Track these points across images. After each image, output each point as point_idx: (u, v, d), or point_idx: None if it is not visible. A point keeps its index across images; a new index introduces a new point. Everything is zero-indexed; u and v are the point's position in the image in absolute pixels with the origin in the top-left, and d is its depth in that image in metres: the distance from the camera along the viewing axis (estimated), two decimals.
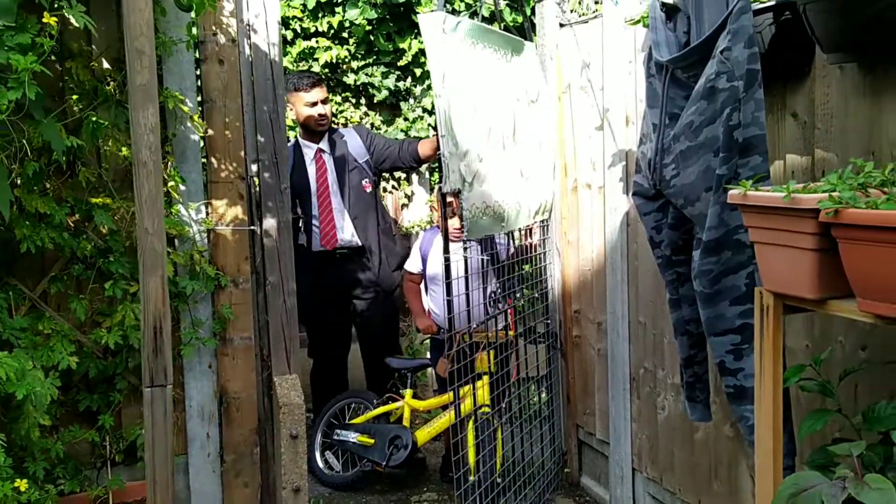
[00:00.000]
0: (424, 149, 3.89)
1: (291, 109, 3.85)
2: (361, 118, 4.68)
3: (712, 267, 1.85)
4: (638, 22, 2.63)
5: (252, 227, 3.10)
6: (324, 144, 3.90)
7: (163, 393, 2.16)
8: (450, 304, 2.99)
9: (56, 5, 2.17)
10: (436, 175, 4.67)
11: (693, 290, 2.30)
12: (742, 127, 1.73)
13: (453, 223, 3.32)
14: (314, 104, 3.80)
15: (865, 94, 1.89)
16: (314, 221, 3.87)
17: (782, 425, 1.62)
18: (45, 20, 2.11)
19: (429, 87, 4.78)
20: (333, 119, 4.14)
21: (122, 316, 2.72)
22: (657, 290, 2.95)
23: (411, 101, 4.75)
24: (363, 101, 4.68)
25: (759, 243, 1.54)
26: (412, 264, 3.65)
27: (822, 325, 2.09)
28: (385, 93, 4.63)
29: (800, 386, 1.73)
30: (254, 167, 3.11)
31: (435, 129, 4.49)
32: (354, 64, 4.54)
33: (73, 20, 2.22)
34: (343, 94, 4.62)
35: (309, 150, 3.91)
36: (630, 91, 3.06)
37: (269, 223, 3.12)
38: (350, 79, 4.54)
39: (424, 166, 4.43)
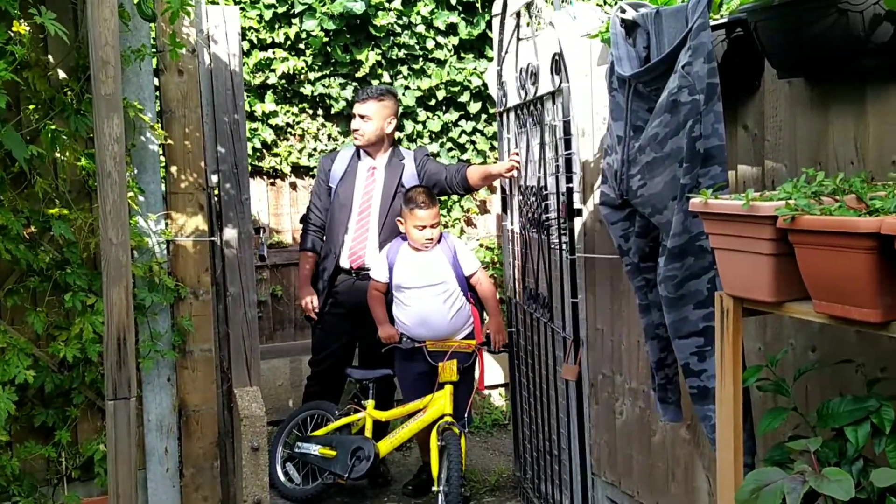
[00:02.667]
0: (474, 177, 3.66)
1: None
2: (318, 129, 4.68)
3: (676, 272, 1.92)
4: (596, 36, 2.71)
5: (212, 239, 3.08)
6: (380, 161, 3.75)
7: (126, 405, 2.14)
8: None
9: (29, 12, 2.14)
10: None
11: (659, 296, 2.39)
12: (703, 138, 1.81)
13: (424, 234, 3.43)
14: (355, 116, 3.71)
15: (812, 107, 1.99)
16: (346, 235, 3.71)
17: (742, 423, 1.69)
18: (14, 28, 2.08)
19: None
20: (395, 136, 3.84)
21: (80, 328, 2.67)
22: (614, 298, 3.03)
23: None
24: (320, 111, 4.69)
25: (719, 249, 1.61)
26: (378, 272, 3.64)
27: (773, 328, 2.18)
28: (342, 104, 4.64)
29: (757, 386, 1.81)
30: (214, 178, 3.10)
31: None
32: (311, 75, 4.54)
33: (27, 28, 2.19)
34: (300, 106, 4.62)
35: (365, 163, 3.76)
36: (586, 103, 3.15)
37: (230, 234, 3.11)
38: (307, 90, 4.54)
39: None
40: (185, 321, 2.96)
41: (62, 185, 2.73)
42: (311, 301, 3.73)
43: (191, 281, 2.99)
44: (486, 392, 4.93)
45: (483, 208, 5.17)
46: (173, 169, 2.98)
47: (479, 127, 4.94)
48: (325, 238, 3.77)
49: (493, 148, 5.04)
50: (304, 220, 3.85)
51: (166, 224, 2.98)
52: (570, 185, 2.78)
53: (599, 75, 3.06)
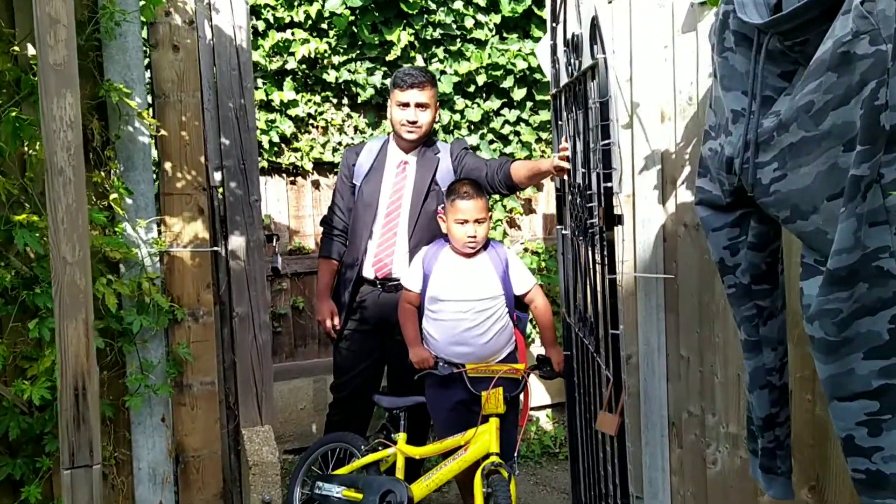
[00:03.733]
0: (520, 174, 3.02)
1: (388, 109, 3.18)
2: (344, 120, 4.15)
3: (841, 306, 1.35)
4: None
5: (215, 248, 2.57)
6: (412, 156, 3.15)
7: (87, 475, 1.62)
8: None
9: None
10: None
11: (776, 330, 1.80)
12: (891, 109, 1.24)
13: (467, 230, 2.84)
14: (405, 105, 3.03)
15: None
16: (370, 240, 3.12)
17: None
18: None
19: None
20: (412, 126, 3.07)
21: (50, 361, 2.17)
22: (705, 319, 2.46)
23: None
24: (345, 100, 4.17)
25: None
26: (411, 280, 3.03)
27: None
28: (370, 91, 4.11)
29: None
30: (217, 175, 2.59)
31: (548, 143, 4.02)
32: (335, 59, 4.02)
33: None
34: (322, 94, 4.10)
35: (395, 157, 3.16)
36: (666, 81, 2.57)
37: (237, 243, 2.59)
38: (330, 76, 4.02)
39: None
40: (182, 349, 2.46)
41: (30, 185, 2.23)
42: (332, 317, 3.17)
43: (189, 300, 2.49)
44: (531, 414, 4.38)
45: (528, 207, 4.60)
46: (167, 165, 2.47)
47: (525, 116, 4.38)
48: (347, 243, 3.21)
49: (539, 140, 4.47)
50: (325, 222, 3.23)
51: (159, 232, 2.48)
52: (609, 184, 2.19)
53: (683, 44, 2.49)
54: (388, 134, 3.25)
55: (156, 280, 2.43)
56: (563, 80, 2.88)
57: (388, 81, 4.17)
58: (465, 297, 2.92)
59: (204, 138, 2.53)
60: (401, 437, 3.03)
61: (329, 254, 3.21)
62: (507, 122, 4.37)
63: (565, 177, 2.81)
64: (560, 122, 3.00)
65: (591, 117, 2.43)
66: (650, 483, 2.76)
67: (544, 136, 4.47)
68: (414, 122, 3.03)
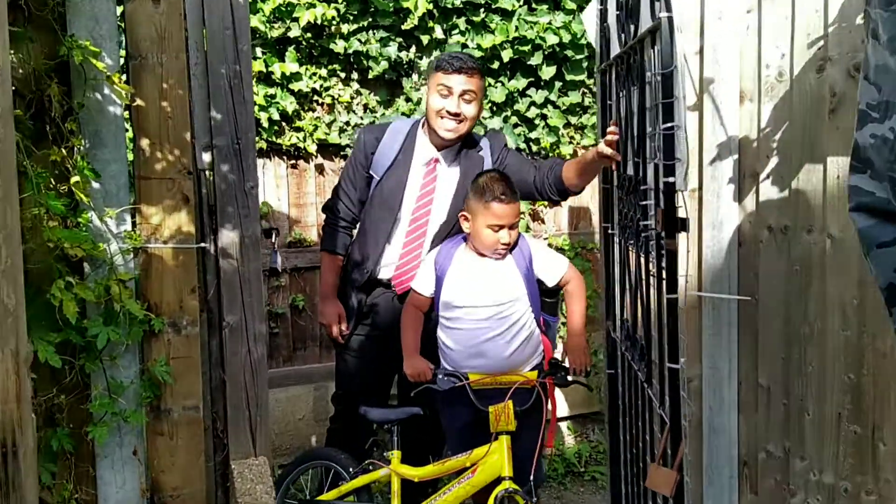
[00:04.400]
0: (570, 174, 2.53)
1: (426, 94, 2.66)
2: (352, 97, 3.70)
3: None
4: None
5: (202, 245, 2.13)
6: (447, 154, 2.63)
7: None
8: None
9: None
10: None
11: None
12: None
13: (501, 237, 2.44)
14: (448, 92, 2.50)
15: None
16: (388, 245, 2.64)
17: None
18: None
19: None
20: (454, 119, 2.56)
21: None
22: (791, 342, 2.03)
23: (415, 76, 3.78)
24: (355, 75, 3.71)
25: None
26: (422, 283, 2.60)
27: None
28: (384, 65, 3.65)
29: None
30: (205, 157, 2.15)
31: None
32: (344, 27, 3.56)
33: None
34: (329, 67, 3.64)
35: (424, 151, 2.63)
36: (749, 53, 2.14)
37: (228, 238, 2.16)
38: (339, 46, 3.55)
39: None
40: (159, 367, 2.02)
41: None
42: (340, 321, 2.71)
43: (170, 307, 2.05)
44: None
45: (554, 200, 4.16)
46: (144, 143, 2.03)
47: (553, 98, 3.92)
48: (356, 236, 2.73)
49: (568, 125, 4.02)
50: (329, 209, 2.75)
51: (134, 224, 2.04)
52: (671, 178, 1.73)
53: (773, 9, 2.05)
54: (421, 118, 2.73)
55: (128, 283, 1.99)
56: (615, 50, 2.42)
57: (403, 55, 3.73)
58: (485, 302, 2.50)
59: (190, 111, 2.09)
60: (394, 455, 2.57)
61: (334, 248, 2.75)
62: (533, 103, 3.91)
63: (613, 167, 2.37)
64: (609, 103, 2.56)
65: (648, 95, 1.99)
66: None
67: (574, 120, 4.02)
68: (457, 115, 2.51)
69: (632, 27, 2.07)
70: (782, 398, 2.11)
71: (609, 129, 2.23)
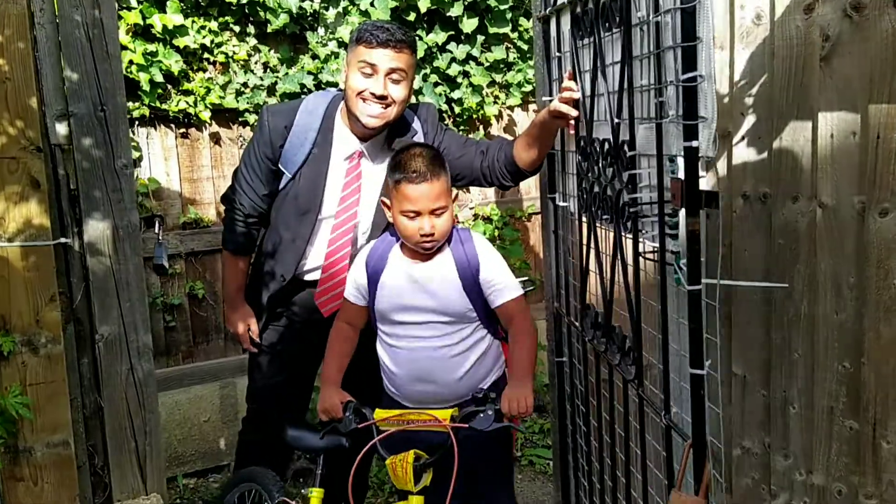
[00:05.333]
0: (523, 150, 2.16)
1: (344, 72, 2.15)
2: (249, 55, 3.24)
3: None
4: None
5: (63, 241, 1.69)
6: (373, 145, 2.18)
7: None
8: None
9: None
10: None
11: None
12: None
13: (420, 227, 1.92)
14: (372, 71, 2.04)
15: None
16: (309, 251, 2.22)
17: None
18: None
19: (346, 11, 3.39)
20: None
21: None
22: (776, 327, 1.78)
23: (321, 30, 3.34)
24: (251, 29, 3.25)
25: None
26: (352, 290, 2.11)
27: None
28: (284, 17, 3.20)
29: None
30: (61, 128, 1.70)
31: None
32: None
33: None
34: (220, 19, 3.16)
35: (344, 143, 2.18)
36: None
37: (97, 230, 1.73)
38: None
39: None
40: (13, 398, 1.60)
41: None
42: (249, 327, 2.27)
43: (22, 322, 1.63)
44: None
45: None
46: None
47: (475, 53, 3.57)
48: (267, 233, 2.27)
49: (493, 83, 3.69)
50: (229, 200, 2.28)
51: None
52: (693, 142, 1.41)
53: None
54: (339, 94, 2.22)
55: None
56: None
57: (306, 5, 3.29)
58: (426, 315, 2.02)
59: (36, 71, 1.63)
60: (314, 495, 1.98)
61: (238, 248, 2.27)
62: (454, 59, 3.56)
63: (570, 130, 2.04)
64: (558, 55, 2.22)
65: (639, 40, 1.65)
66: None
67: (498, 78, 3.69)
68: (383, 99, 2.05)
69: None
70: (761, 389, 1.86)
71: (564, 85, 1.90)
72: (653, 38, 1.54)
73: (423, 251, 1.99)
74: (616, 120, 1.71)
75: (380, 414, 1.90)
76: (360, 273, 2.07)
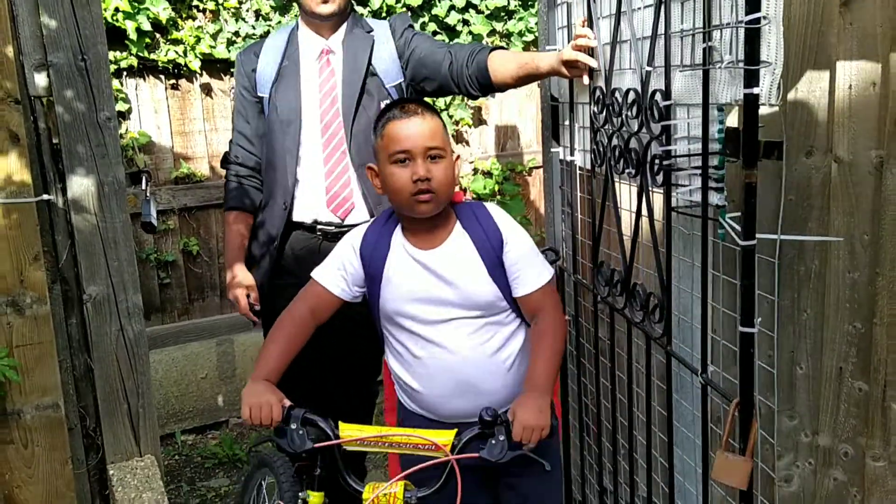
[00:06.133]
0: (506, 69, 2.04)
1: None
2: (240, 2, 3.12)
3: None
4: None
5: (46, 197, 1.63)
6: (335, 40, 2.11)
7: None
8: None
9: None
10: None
11: None
12: None
13: (415, 172, 1.54)
14: None
15: None
16: (304, 176, 2.10)
17: None
18: None
19: None
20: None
21: None
22: (785, 285, 1.73)
23: None
24: None
25: None
26: (329, 273, 1.68)
27: None
28: None
29: None
30: (40, 79, 1.62)
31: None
32: None
33: None
34: None
35: (311, 46, 2.11)
36: None
37: (81, 186, 1.66)
38: None
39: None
40: (0, 360, 1.54)
41: None
42: (248, 293, 2.13)
43: (6, 282, 1.57)
44: None
45: (478, 118, 3.74)
46: None
47: (475, 1, 3.45)
48: (263, 182, 2.16)
49: (493, 32, 3.57)
50: (226, 160, 2.20)
51: None
52: (754, 90, 1.35)
53: None
54: (296, 18, 2.22)
55: None
56: None
57: None
58: (446, 312, 1.64)
59: (11, 16, 1.55)
60: (312, 500, 1.60)
61: (239, 204, 2.15)
62: (453, 7, 3.44)
63: (585, 79, 1.94)
64: (565, 1, 2.11)
65: None
66: (682, 496, 2.08)
67: (499, 27, 3.57)
68: None
69: None
70: (767, 349, 1.82)
71: (579, 32, 1.80)
72: None
73: (420, 214, 1.60)
74: (647, 68, 1.62)
75: (348, 431, 1.49)
76: (351, 258, 1.68)
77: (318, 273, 1.68)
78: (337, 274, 1.66)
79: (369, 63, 2.07)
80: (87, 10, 1.61)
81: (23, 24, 1.58)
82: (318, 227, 2.09)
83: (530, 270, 1.66)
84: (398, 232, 1.66)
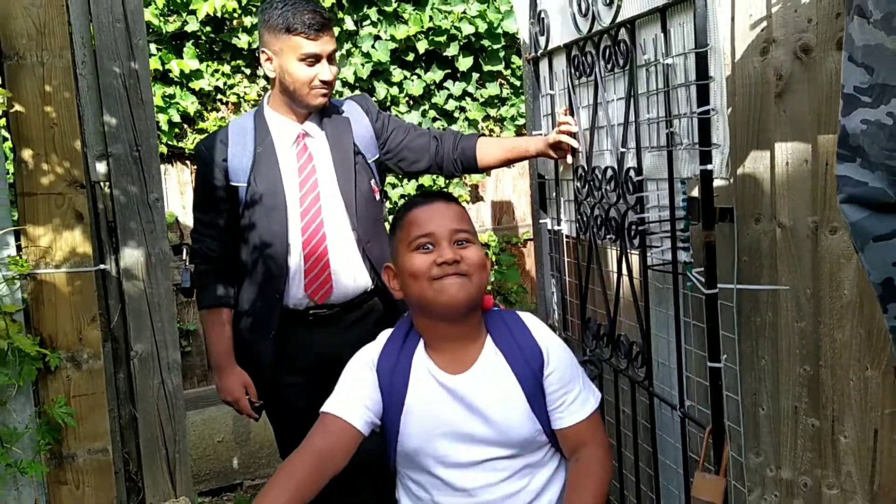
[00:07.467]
0: (494, 156, 2.21)
1: (268, 60, 2.03)
2: (259, 95, 3.46)
3: None
4: None
5: (102, 267, 1.88)
6: (311, 124, 2.11)
7: None
8: None
9: None
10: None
11: None
12: None
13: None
14: (316, 59, 2.00)
15: None
16: (289, 257, 2.05)
17: None
18: None
19: (349, 53, 3.61)
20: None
21: None
22: (745, 336, 1.97)
23: None
24: (261, 71, 3.47)
25: None
26: (347, 398, 1.41)
27: None
28: None
29: None
30: (100, 167, 1.90)
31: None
32: (247, 20, 3.32)
33: None
34: (232, 63, 3.38)
35: (284, 132, 2.09)
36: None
37: (132, 257, 1.92)
38: (241, 41, 3.31)
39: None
40: (58, 408, 1.77)
41: None
42: (246, 390, 2.04)
43: (67, 340, 1.80)
44: None
45: (475, 195, 4.04)
46: (27, 154, 1.77)
47: (471, 90, 3.80)
48: (242, 270, 2.08)
49: (487, 118, 3.91)
50: (195, 254, 2.06)
51: (19, 248, 1.78)
52: (708, 166, 1.64)
53: None
54: (254, 106, 2.31)
55: (16, 315, 1.73)
56: (560, 38, 2.27)
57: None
58: (479, 452, 1.39)
59: (79, 116, 1.84)
60: None
61: (217, 300, 2.04)
62: (451, 96, 3.78)
63: (568, 159, 2.23)
64: (550, 93, 2.42)
65: (644, 80, 1.86)
66: None
67: (493, 112, 3.91)
68: (328, 84, 2.03)
69: (610, 9, 1.90)
70: (733, 394, 2.04)
71: (562, 120, 2.10)
72: (661, 77, 1.75)
73: (449, 302, 1.34)
74: (622, 149, 1.92)
75: None
76: (371, 381, 1.40)
77: (332, 406, 1.38)
78: (359, 404, 1.37)
79: (354, 145, 2.12)
80: (142, 108, 1.90)
81: (88, 121, 1.87)
82: (311, 311, 2.07)
83: (574, 397, 1.42)
84: (420, 351, 1.41)
